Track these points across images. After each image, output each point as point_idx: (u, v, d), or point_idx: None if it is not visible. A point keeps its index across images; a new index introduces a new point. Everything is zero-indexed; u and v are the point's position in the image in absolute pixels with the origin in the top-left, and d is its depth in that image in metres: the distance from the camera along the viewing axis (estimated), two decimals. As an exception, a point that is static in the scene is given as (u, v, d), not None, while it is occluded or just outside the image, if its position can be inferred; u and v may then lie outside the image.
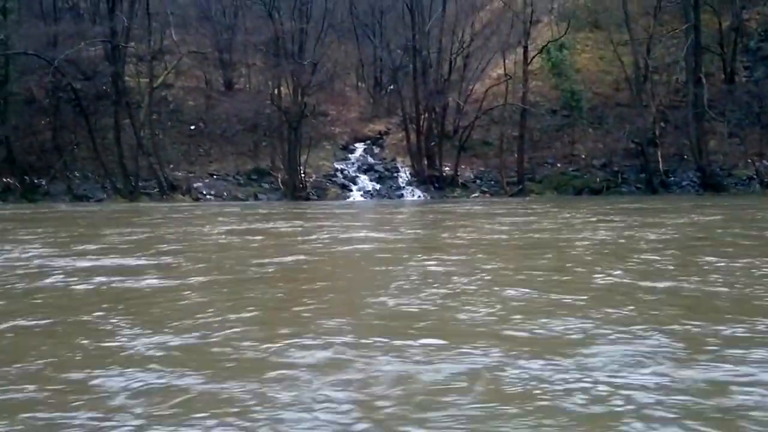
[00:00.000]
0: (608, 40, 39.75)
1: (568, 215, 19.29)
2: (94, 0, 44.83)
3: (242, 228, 16.46)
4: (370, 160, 42.15)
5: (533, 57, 38.75)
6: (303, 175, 38.05)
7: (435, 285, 7.02)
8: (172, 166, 39.15)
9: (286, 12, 40.56)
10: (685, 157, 37.17)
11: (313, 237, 13.44)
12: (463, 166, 39.33)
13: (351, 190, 38.35)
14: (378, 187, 38.61)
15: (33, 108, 40.34)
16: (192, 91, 44.81)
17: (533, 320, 5.20)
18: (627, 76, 38.67)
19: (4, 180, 36.63)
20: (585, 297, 6.23)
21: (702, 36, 36.45)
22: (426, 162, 39.45)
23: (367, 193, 38.04)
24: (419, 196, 37.53)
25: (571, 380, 3.77)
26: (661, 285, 6.84)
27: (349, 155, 42.89)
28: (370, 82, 50.01)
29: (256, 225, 17.67)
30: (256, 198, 36.91)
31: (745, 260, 8.66)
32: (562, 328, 4.98)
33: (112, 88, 39.08)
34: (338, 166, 41.05)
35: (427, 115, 40.01)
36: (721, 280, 7.14)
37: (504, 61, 40.20)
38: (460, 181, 38.61)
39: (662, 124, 38.08)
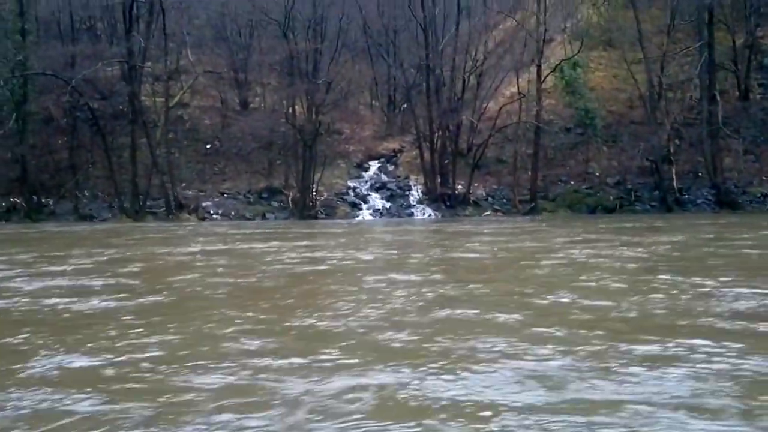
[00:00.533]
0: (622, 58, 39.70)
1: (558, 234, 19.17)
2: (111, 21, 45.42)
3: (213, 248, 16.40)
4: (384, 178, 42.19)
5: (547, 75, 38.71)
6: (314, 194, 38.14)
7: (373, 305, 7.10)
8: (184, 184, 39.38)
9: (300, 32, 40.95)
10: (700, 174, 36.91)
11: (279, 257, 13.36)
12: (476, 184, 39.26)
13: (360, 209, 38.33)
14: (388, 205, 38.58)
15: (50, 127, 40.86)
16: (208, 111, 45.22)
17: (454, 338, 5.34)
18: (641, 93, 38.56)
19: (11, 199, 36.98)
20: (518, 316, 6.30)
21: (716, 53, 36.33)
22: (439, 180, 39.45)
23: (376, 212, 37.99)
24: (430, 215, 37.44)
25: (460, 397, 3.89)
26: (601, 304, 6.93)
27: (363, 173, 42.97)
28: (383, 101, 50.24)
29: (231, 245, 17.52)
30: (263, 217, 36.95)
31: (698, 279, 8.73)
32: (480, 346, 5.08)
33: (129, 108, 39.49)
34: (351, 184, 41.12)
35: (440, 133, 40.04)
36: (663, 299, 7.19)
37: (517, 80, 40.22)
38: (472, 199, 38.53)
39: (677, 141, 37.86)
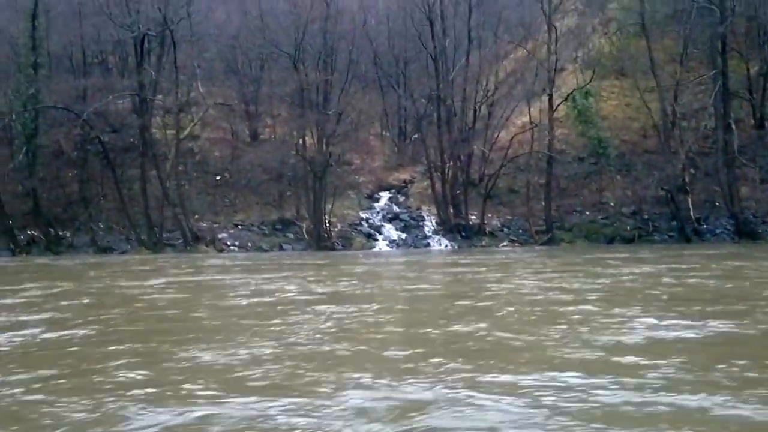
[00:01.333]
0: (634, 87, 39.51)
1: (545, 264, 19.07)
2: (122, 55, 45.59)
3: (182, 280, 16.63)
4: (396, 208, 41.90)
5: (558, 105, 38.51)
6: (328, 225, 37.84)
7: (273, 339, 7.40)
8: (197, 216, 39.17)
9: (311, 64, 40.93)
10: (717, 204, 36.46)
11: (240, 291, 13.46)
12: (489, 215, 38.88)
13: (377, 240, 38.00)
14: (404, 236, 38.23)
15: (61, 160, 40.81)
16: (218, 142, 45.16)
17: (315, 369, 5.79)
18: (654, 122, 38.29)
19: (29, 232, 36.85)
20: (404, 348, 6.74)
21: (730, 81, 36.06)
22: (452, 210, 39.10)
23: (392, 243, 37.66)
24: (446, 246, 37.06)
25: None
26: (498, 335, 7.31)
27: (374, 204, 42.69)
28: (394, 131, 50.14)
29: (205, 277, 17.60)
30: (280, 248, 36.65)
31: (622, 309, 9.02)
32: (331, 378, 5.44)
33: (140, 140, 39.45)
34: (363, 215, 40.82)
35: (452, 163, 39.80)
36: (561, 330, 7.53)
37: (529, 109, 40.04)
38: (488, 229, 38.12)
39: (692, 170, 37.47)
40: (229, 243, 36.84)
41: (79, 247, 36.22)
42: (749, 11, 38.69)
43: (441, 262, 23.07)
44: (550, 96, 38.00)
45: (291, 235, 38.19)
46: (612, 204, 38.58)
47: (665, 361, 5.82)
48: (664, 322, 7.95)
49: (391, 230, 38.87)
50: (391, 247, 37.04)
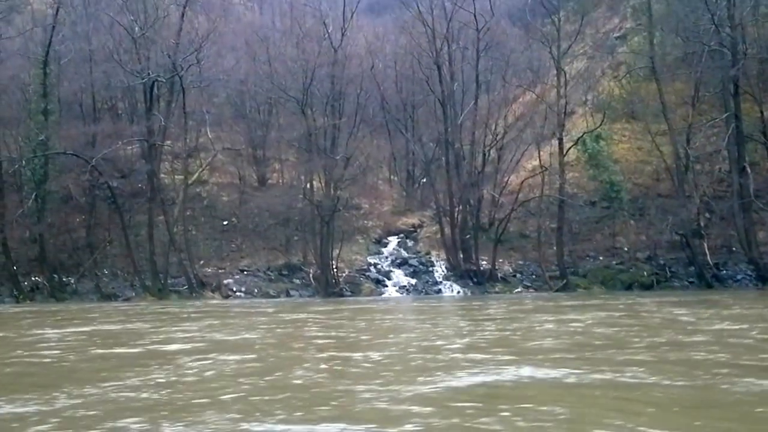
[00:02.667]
0: (646, 130, 38.96)
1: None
2: (132, 101, 45.84)
3: (100, 329, 16.31)
4: (404, 254, 41.31)
5: (569, 148, 38.02)
6: (335, 270, 37.28)
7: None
8: (202, 262, 38.82)
9: (319, 108, 40.91)
10: (734, 249, 35.59)
11: (138, 340, 13.13)
12: (500, 260, 38.19)
13: (386, 286, 37.37)
14: (414, 282, 37.56)
15: (69, 206, 40.69)
16: (226, 187, 45.03)
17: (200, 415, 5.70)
18: (667, 166, 37.64)
19: (33, 278, 36.58)
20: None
21: (744, 124, 35.42)
22: (462, 256, 38.42)
23: (402, 289, 36.98)
24: (458, 292, 36.31)
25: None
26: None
27: (383, 249, 42.18)
28: (402, 175, 49.89)
29: (132, 324, 17.27)
30: (287, 294, 36.11)
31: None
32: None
33: (148, 186, 39.30)
34: (371, 260, 40.27)
35: (461, 207, 39.26)
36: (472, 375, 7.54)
37: (539, 153, 39.60)
38: (499, 275, 37.42)
39: (707, 215, 36.71)
40: (234, 289, 36.36)
41: (84, 294, 35.86)
42: (762, 53, 38.23)
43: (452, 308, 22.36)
44: (560, 139, 37.53)
45: (298, 281, 37.67)
46: (626, 249, 37.80)
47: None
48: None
49: (400, 276, 38.23)
50: (401, 293, 36.36)
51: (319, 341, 12.48)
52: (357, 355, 9.86)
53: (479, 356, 9.39)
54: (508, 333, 13.18)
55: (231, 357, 10.00)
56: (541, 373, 7.74)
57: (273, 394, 6.79)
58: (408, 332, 14.12)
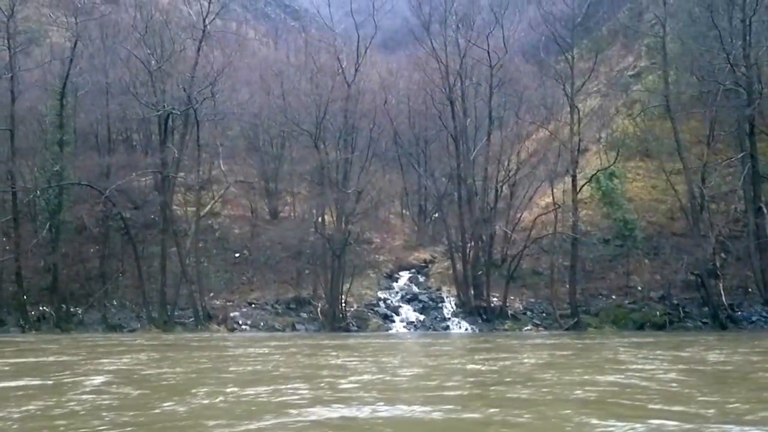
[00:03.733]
0: (660, 168, 38.74)
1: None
2: (147, 133, 46.25)
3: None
4: (415, 289, 41.03)
5: (582, 186, 37.78)
6: (344, 305, 37.02)
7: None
8: (212, 294, 38.74)
9: (331, 142, 41.02)
10: (750, 290, 35.02)
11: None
12: (512, 297, 37.79)
13: (393, 321, 37.01)
14: (422, 318, 37.18)
15: (82, 236, 40.89)
16: (238, 220, 45.10)
17: None
18: (682, 205, 37.27)
19: (41, 308, 36.60)
20: None
21: (759, 164, 35.10)
22: (473, 292, 38.04)
23: (410, 325, 36.60)
24: (466, 329, 35.90)
25: None
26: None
27: (393, 284, 41.91)
28: (414, 210, 49.77)
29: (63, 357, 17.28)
30: (293, 328, 35.86)
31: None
32: None
33: (161, 217, 39.42)
34: (382, 295, 39.97)
35: (473, 243, 38.98)
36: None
37: (552, 190, 39.34)
38: (510, 312, 36.97)
39: (722, 255, 36.22)
40: (240, 322, 36.17)
41: (89, 325, 35.83)
42: (777, 92, 38.04)
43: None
44: (574, 177, 37.31)
45: (305, 315, 37.43)
46: (640, 288, 37.29)
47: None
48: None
49: (409, 311, 37.86)
50: (409, 329, 36.00)
51: (206, 377, 12.63)
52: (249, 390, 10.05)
53: (357, 394, 9.62)
54: (425, 371, 13.58)
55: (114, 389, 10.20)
56: (400, 410, 8.15)
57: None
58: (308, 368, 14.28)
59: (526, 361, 15.76)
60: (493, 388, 10.53)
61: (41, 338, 28.58)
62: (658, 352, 18.45)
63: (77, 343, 23.76)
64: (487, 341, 25.35)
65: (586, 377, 12.01)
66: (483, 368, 14.10)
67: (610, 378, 11.86)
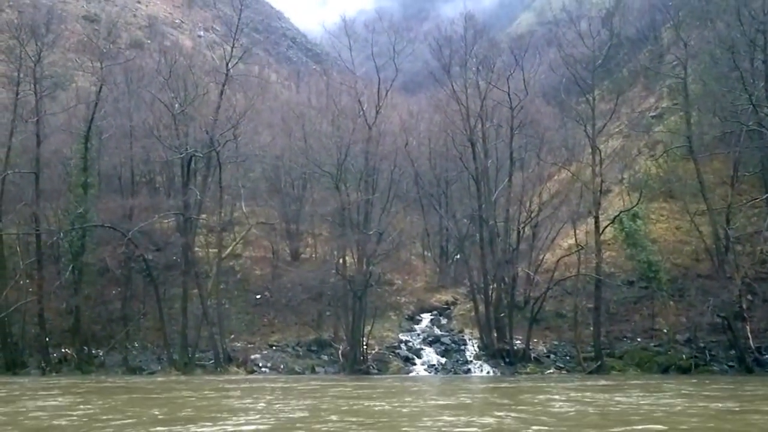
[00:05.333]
0: (684, 209, 38.39)
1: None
2: (170, 175, 46.63)
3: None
4: (437, 331, 40.65)
5: (605, 227, 37.48)
6: (365, 347, 36.71)
7: None
8: (233, 336, 38.65)
9: (352, 183, 41.07)
10: (778, 333, 34.32)
11: None
12: (535, 340, 37.32)
13: (414, 364, 36.65)
14: (443, 361, 36.78)
15: (105, 278, 41.10)
16: (259, 261, 45.16)
17: None
18: (707, 246, 36.81)
19: (63, 350, 36.67)
20: None
21: (785, 205, 34.71)
22: (495, 334, 37.60)
23: (431, 367, 36.23)
24: (488, 372, 35.43)
25: None
26: None
27: (415, 326, 41.61)
28: (436, 252, 49.53)
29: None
30: (313, 371, 35.65)
31: None
32: None
33: (182, 259, 39.52)
34: (403, 337, 39.65)
35: (495, 285, 38.62)
36: None
37: (575, 231, 39.01)
38: (533, 355, 36.47)
39: (749, 297, 35.58)
40: (260, 364, 36.03)
41: (110, 367, 35.85)
42: (802, 133, 37.73)
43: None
44: (597, 218, 37.04)
45: (325, 357, 37.20)
46: (665, 331, 36.68)
47: None
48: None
49: (431, 354, 37.50)
50: (430, 372, 35.58)
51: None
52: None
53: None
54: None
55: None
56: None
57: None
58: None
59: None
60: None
61: (56, 381, 28.50)
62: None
63: (89, 387, 23.63)
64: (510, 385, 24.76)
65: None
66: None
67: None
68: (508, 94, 39.03)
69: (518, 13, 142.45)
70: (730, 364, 33.85)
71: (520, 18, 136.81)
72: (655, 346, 36.05)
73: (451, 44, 42.34)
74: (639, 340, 36.87)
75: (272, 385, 25.74)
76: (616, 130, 49.48)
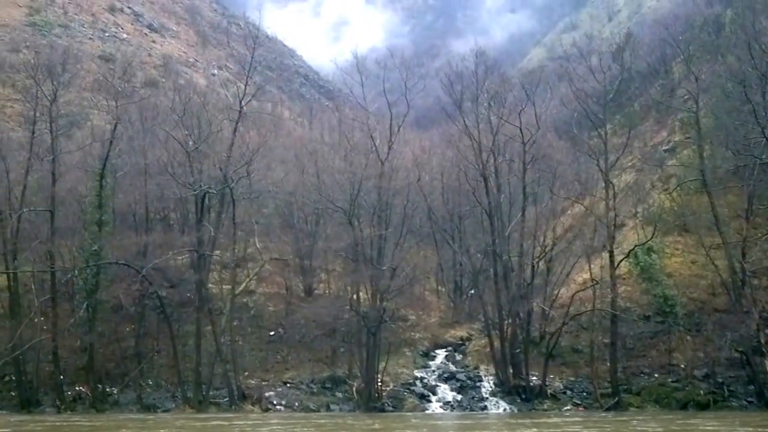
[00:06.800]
0: (699, 243, 38.14)
1: None
2: (183, 211, 46.82)
3: None
4: (452, 367, 40.32)
5: (620, 261, 37.25)
6: (380, 384, 36.40)
7: None
8: (247, 373, 38.41)
9: (365, 219, 41.13)
10: (798, 367, 33.74)
11: None
12: (551, 376, 36.92)
13: (430, 401, 36.32)
14: (459, 397, 36.44)
15: (119, 315, 41.06)
16: (272, 297, 45.08)
17: None
18: (723, 280, 36.50)
19: (77, 388, 36.56)
20: None
21: (802, 238, 34.40)
22: (511, 371, 37.23)
23: (447, 404, 35.90)
24: (504, 409, 35.04)
25: None
26: None
27: (430, 362, 41.30)
28: (450, 287, 49.32)
29: None
30: (327, 408, 35.38)
31: None
32: None
33: (196, 295, 39.47)
34: (418, 374, 39.35)
35: (510, 320, 38.36)
36: None
37: (589, 265, 38.81)
38: (549, 391, 36.06)
39: (767, 331, 35.10)
40: (275, 402, 35.84)
41: (124, 405, 35.71)
42: (816, 167, 37.57)
43: None
44: (611, 252, 36.79)
45: (340, 395, 36.92)
46: (683, 366, 36.25)
47: None
48: None
49: (446, 391, 37.17)
50: (446, 409, 35.23)
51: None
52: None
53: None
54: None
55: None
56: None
57: None
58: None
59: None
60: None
61: (68, 420, 28.34)
62: None
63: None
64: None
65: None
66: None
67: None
68: (520, 129, 39.16)
69: (529, 49, 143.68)
70: (749, 399, 33.46)
71: (530, 54, 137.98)
72: (672, 381, 35.64)
73: (462, 80, 42.70)
74: (656, 375, 36.43)
75: (287, 422, 25.43)
76: (629, 164, 49.43)
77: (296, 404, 35.67)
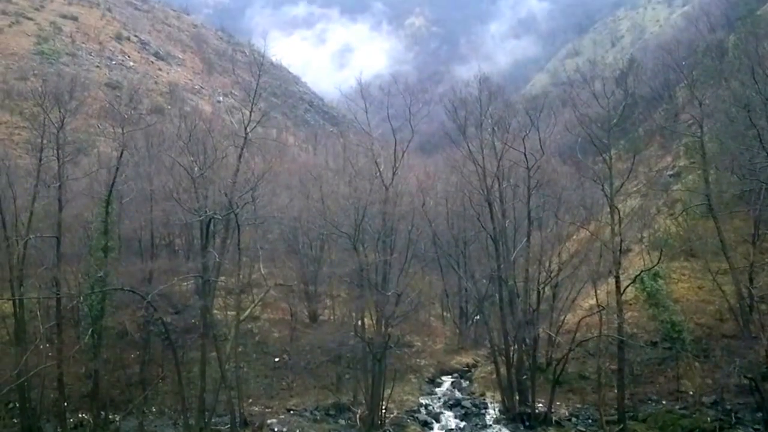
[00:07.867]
0: (706, 268, 37.93)
1: None
2: (189, 237, 46.89)
3: None
4: (458, 394, 40.08)
5: (627, 287, 36.97)
6: (384, 411, 36.12)
7: None
8: (251, 400, 38.19)
9: (370, 244, 41.07)
10: (808, 394, 33.38)
11: None
12: (558, 402, 36.57)
13: (432, 428, 36.06)
14: (462, 425, 36.14)
15: (124, 341, 40.93)
16: (277, 323, 45.00)
17: None
18: (731, 306, 36.27)
19: (80, 415, 36.31)
20: None
21: (809, 263, 34.24)
22: (518, 397, 36.92)
23: (449, 432, 35.62)
24: (506, 438, 34.74)
25: None
26: None
27: (436, 389, 41.07)
28: (455, 312, 49.16)
29: None
30: (330, 436, 35.13)
31: None
32: None
33: (201, 322, 39.32)
34: (423, 401, 39.11)
35: (516, 346, 38.13)
36: None
37: (595, 291, 38.60)
38: (554, 419, 35.68)
39: (776, 357, 34.79)
40: (276, 429, 35.51)
41: (126, 432, 35.42)
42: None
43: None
44: (617, 278, 36.52)
45: (343, 422, 36.61)
46: (691, 393, 35.84)
47: None
48: None
49: (450, 418, 36.87)
50: (448, 438, 34.97)
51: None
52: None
53: None
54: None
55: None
56: None
57: None
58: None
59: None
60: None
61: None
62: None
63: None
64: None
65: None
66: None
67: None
68: (524, 154, 39.14)
69: (532, 75, 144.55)
70: (756, 427, 32.96)
71: (534, 79, 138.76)
72: (680, 408, 35.20)
73: (466, 106, 42.76)
74: (664, 402, 36.04)
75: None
76: (634, 189, 49.44)
77: (297, 431, 35.41)
